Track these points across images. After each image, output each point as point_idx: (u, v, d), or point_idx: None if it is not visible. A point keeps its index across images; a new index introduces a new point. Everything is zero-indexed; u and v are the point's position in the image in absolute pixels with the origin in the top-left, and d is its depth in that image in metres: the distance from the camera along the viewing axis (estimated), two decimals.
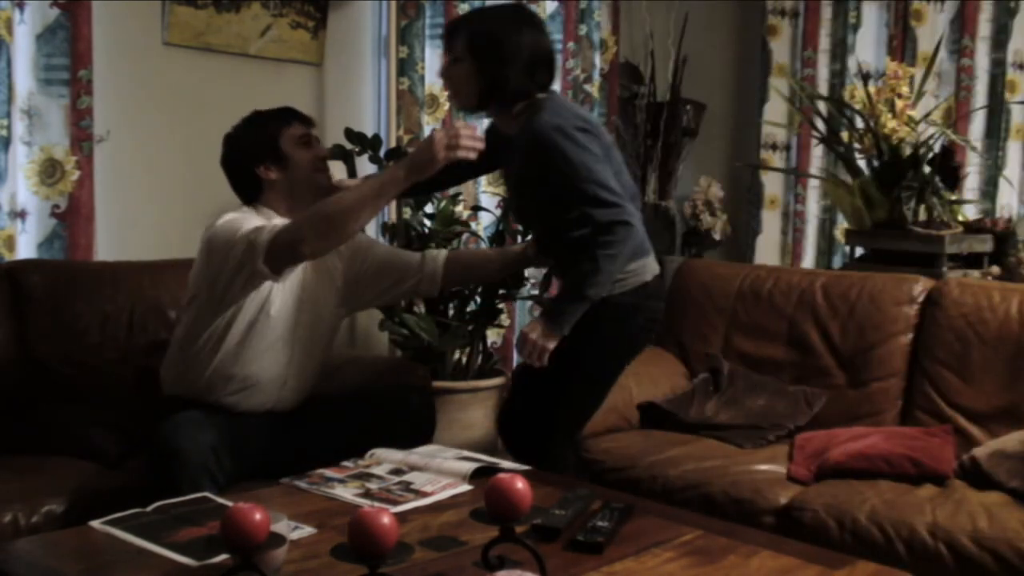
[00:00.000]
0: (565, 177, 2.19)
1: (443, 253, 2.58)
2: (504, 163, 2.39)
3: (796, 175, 4.36)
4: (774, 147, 4.46)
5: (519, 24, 2.25)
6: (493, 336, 3.82)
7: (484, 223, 3.80)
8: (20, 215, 2.79)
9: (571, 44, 4.14)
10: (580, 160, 2.19)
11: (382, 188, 2.17)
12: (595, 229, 2.19)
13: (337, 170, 3.15)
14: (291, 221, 2.19)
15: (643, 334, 2.43)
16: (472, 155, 2.14)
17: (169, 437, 2.09)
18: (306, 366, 2.40)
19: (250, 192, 2.38)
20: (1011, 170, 4.06)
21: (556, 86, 4.03)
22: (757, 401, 2.99)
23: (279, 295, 2.29)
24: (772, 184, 4.48)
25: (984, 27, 4.05)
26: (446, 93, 2.24)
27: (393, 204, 3.38)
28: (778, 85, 4.37)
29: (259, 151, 2.34)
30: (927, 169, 3.38)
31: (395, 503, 1.91)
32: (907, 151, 3.36)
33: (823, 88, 4.29)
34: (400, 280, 2.53)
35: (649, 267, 2.39)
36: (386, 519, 1.38)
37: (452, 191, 3.41)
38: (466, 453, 2.25)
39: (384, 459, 2.18)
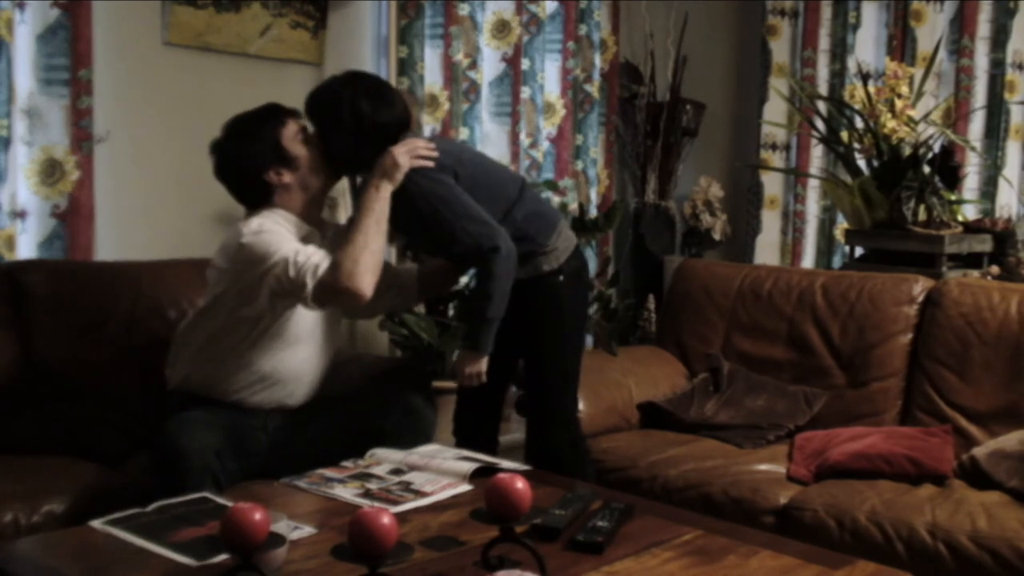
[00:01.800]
0: (434, 220, 2.32)
1: (413, 266, 2.71)
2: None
3: (796, 175, 4.36)
4: (774, 147, 4.47)
5: (357, 92, 2.32)
6: None
7: None
8: (20, 215, 2.79)
9: (571, 44, 4.14)
10: (441, 198, 2.30)
11: (379, 210, 2.25)
12: (475, 261, 2.35)
13: None
14: (332, 267, 2.16)
15: (589, 290, 2.69)
16: (430, 164, 2.30)
17: (173, 436, 2.08)
18: (321, 362, 2.43)
19: (258, 198, 2.34)
20: (1011, 170, 4.06)
21: (556, 86, 4.12)
22: (757, 401, 2.99)
23: None
24: (772, 184, 4.48)
25: (984, 27, 4.04)
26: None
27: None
28: (778, 85, 4.37)
29: (264, 157, 2.31)
30: (927, 169, 3.37)
31: (395, 503, 1.91)
32: (907, 151, 3.36)
33: (823, 88, 4.29)
34: (385, 288, 2.55)
35: (567, 231, 2.55)
36: (386, 519, 1.39)
37: None
38: (466, 453, 2.25)
39: (384, 459, 2.18)
